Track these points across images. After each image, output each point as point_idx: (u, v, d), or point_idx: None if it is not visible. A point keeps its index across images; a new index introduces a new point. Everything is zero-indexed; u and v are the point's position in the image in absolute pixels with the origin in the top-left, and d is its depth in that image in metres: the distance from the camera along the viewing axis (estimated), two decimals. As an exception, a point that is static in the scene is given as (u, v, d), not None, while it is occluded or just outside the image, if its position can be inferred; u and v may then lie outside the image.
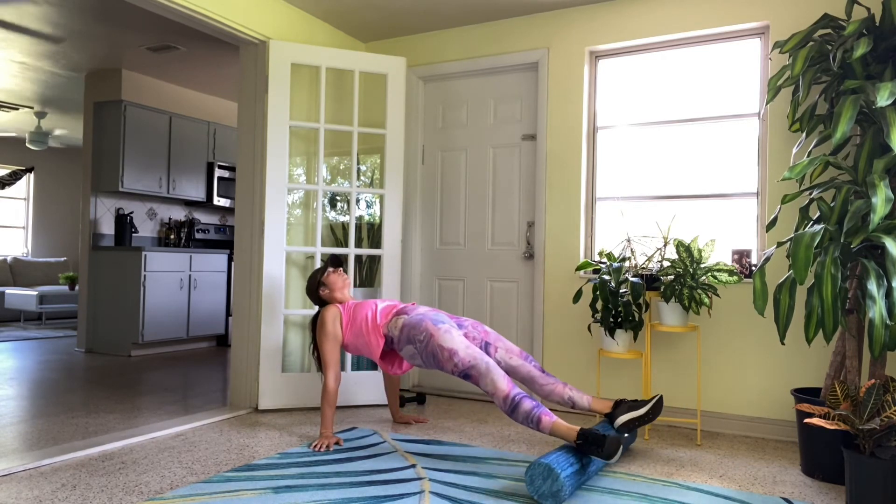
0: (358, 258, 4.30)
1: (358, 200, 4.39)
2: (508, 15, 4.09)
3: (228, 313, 6.31)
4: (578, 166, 3.91)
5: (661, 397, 2.81)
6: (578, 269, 3.44)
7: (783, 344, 2.62)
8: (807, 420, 2.39)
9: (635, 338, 3.34)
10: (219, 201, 6.60)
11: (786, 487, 2.59)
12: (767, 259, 2.61)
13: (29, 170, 9.11)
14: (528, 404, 2.58)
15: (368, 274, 4.32)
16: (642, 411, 2.78)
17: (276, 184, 3.73)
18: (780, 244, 2.63)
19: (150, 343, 5.72)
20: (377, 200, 4.36)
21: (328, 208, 4.34)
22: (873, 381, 2.48)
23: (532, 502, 2.33)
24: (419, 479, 2.56)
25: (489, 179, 4.27)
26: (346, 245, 4.26)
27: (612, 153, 3.93)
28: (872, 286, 2.28)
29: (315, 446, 2.94)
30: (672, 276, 3.25)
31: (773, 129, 3.41)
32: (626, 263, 3.48)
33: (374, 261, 4.29)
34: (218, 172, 6.57)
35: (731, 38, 3.60)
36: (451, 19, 4.19)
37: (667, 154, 3.77)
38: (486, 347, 3.07)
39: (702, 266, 3.19)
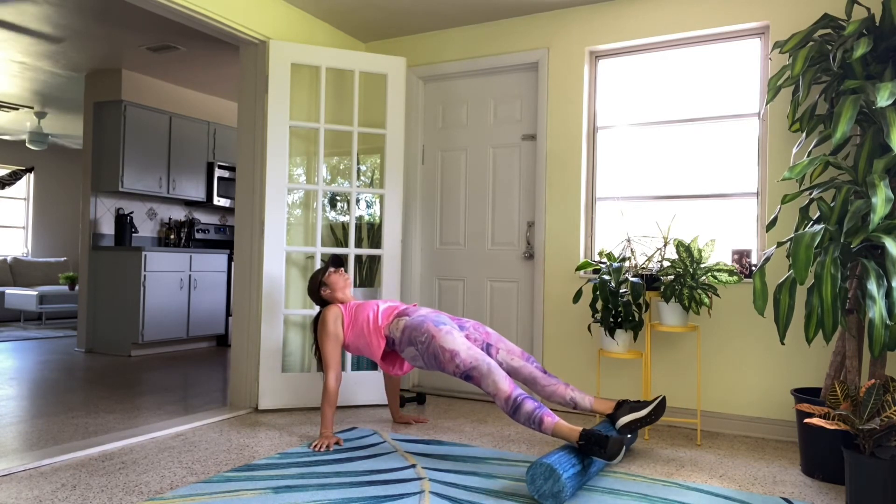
0: (358, 258, 4.30)
1: (358, 200, 4.39)
2: (508, 15, 4.09)
3: (228, 313, 6.31)
4: (578, 166, 3.91)
5: (663, 398, 2.81)
6: (578, 269, 3.44)
7: (783, 344, 2.62)
8: (807, 420, 2.39)
9: (635, 338, 3.34)
10: (219, 201, 6.60)
11: (786, 487, 2.59)
12: (767, 259, 2.61)
13: (29, 170, 9.11)
14: (529, 405, 2.58)
15: (368, 274, 4.32)
16: (644, 412, 2.78)
17: (276, 184, 3.73)
18: (780, 244, 2.63)
19: (150, 343, 5.72)
20: (377, 200, 4.36)
21: (328, 208, 4.34)
22: (873, 381, 2.48)
23: (532, 502, 2.33)
24: (419, 479, 2.56)
25: (489, 179, 4.27)
26: (346, 245, 4.26)
27: (612, 153, 3.93)
28: (872, 286, 2.28)
29: (315, 446, 2.94)
30: (672, 276, 3.25)
31: (773, 129, 3.41)
32: (626, 263, 3.48)
33: (374, 261, 4.30)
34: (218, 172, 6.57)
35: (730, 38, 3.61)
36: (451, 19, 4.19)
37: (667, 154, 3.77)
38: (487, 349, 3.07)
39: (702, 266, 3.19)
